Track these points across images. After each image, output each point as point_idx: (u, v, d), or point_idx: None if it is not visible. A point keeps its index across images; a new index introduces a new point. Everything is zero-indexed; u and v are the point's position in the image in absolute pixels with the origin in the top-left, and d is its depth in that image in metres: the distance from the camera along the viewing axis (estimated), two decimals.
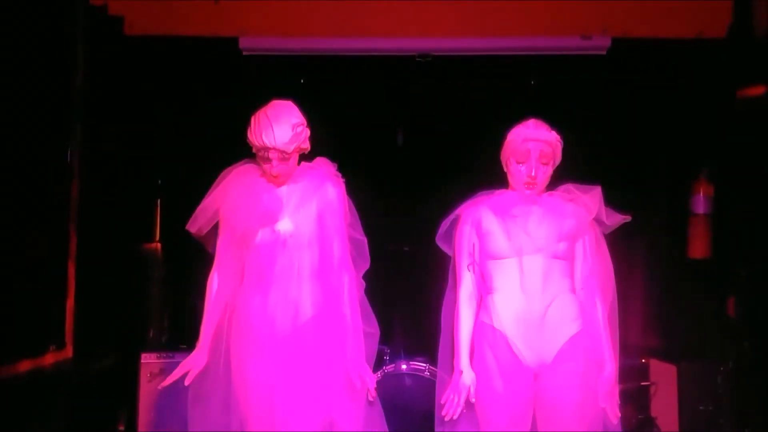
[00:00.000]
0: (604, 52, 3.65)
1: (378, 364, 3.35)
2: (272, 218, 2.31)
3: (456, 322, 2.32)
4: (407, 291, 3.69)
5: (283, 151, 2.27)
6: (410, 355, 3.41)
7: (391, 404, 3.16)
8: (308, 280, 2.31)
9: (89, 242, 3.34)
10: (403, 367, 3.31)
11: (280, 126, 2.26)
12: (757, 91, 3.33)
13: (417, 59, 3.75)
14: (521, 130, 2.33)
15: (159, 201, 3.89)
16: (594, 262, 2.28)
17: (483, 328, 2.27)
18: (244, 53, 3.74)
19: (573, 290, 2.25)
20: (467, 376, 2.24)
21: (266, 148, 2.26)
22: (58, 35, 3.22)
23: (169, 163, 3.86)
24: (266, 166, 2.31)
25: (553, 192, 2.37)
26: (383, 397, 3.14)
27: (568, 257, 2.25)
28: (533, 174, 2.27)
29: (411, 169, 3.84)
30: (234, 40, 3.71)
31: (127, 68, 3.65)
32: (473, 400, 2.23)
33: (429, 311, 3.73)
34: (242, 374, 2.28)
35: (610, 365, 2.22)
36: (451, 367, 2.31)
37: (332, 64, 3.77)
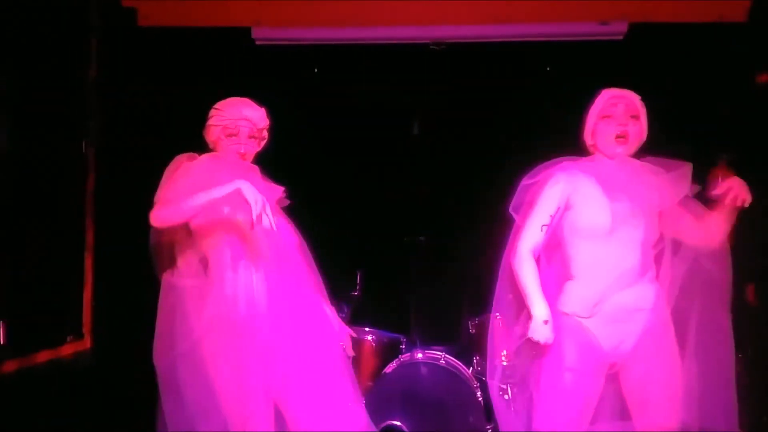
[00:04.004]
0: (621, 38, 3.59)
1: (394, 354, 3.35)
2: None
3: (520, 274, 2.18)
4: (424, 281, 3.67)
5: (254, 127, 2.28)
6: (426, 345, 3.39)
7: (407, 392, 3.17)
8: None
9: (107, 234, 3.36)
10: (419, 355, 3.29)
11: (255, 107, 2.34)
12: None
13: (431, 47, 3.72)
14: (605, 93, 2.28)
15: None
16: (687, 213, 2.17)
17: (563, 319, 2.18)
18: (258, 43, 3.73)
19: (653, 275, 2.16)
20: (545, 314, 2.12)
21: (240, 119, 2.27)
22: (72, 27, 3.23)
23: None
24: (234, 144, 2.27)
25: (644, 162, 2.25)
26: (399, 385, 3.17)
27: (656, 242, 2.15)
28: (624, 124, 2.17)
29: (427, 158, 3.82)
30: (247, 30, 3.69)
31: (141, 60, 3.65)
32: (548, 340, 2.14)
33: (445, 301, 3.74)
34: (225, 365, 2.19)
35: None
36: (514, 316, 2.24)
37: (346, 53, 3.75)
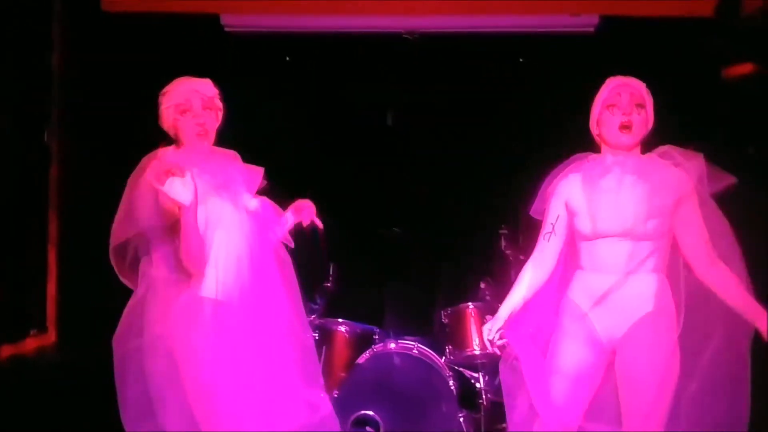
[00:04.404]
0: (592, 30, 3.62)
1: (367, 345, 3.34)
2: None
3: (516, 281, 2.30)
4: (398, 272, 3.67)
5: (204, 96, 2.23)
6: (400, 336, 3.40)
7: (381, 383, 3.17)
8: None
9: (71, 226, 3.28)
10: (392, 345, 3.30)
11: (199, 79, 2.28)
12: (745, 69, 3.32)
13: (404, 36, 3.70)
14: (610, 81, 2.27)
15: None
16: (703, 228, 2.14)
17: (567, 303, 2.26)
18: (227, 30, 3.66)
19: (658, 269, 2.19)
20: (496, 319, 2.23)
21: (188, 92, 2.22)
22: (34, 12, 3.13)
23: (152, 144, 3.78)
24: (190, 119, 2.22)
25: (651, 155, 2.26)
26: (372, 375, 3.17)
27: (658, 236, 2.17)
28: (629, 113, 2.18)
29: (401, 150, 3.81)
30: (216, 17, 3.62)
31: (105, 46, 3.55)
32: (493, 348, 2.24)
33: (419, 293, 3.75)
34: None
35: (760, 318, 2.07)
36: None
37: (318, 41, 3.71)
